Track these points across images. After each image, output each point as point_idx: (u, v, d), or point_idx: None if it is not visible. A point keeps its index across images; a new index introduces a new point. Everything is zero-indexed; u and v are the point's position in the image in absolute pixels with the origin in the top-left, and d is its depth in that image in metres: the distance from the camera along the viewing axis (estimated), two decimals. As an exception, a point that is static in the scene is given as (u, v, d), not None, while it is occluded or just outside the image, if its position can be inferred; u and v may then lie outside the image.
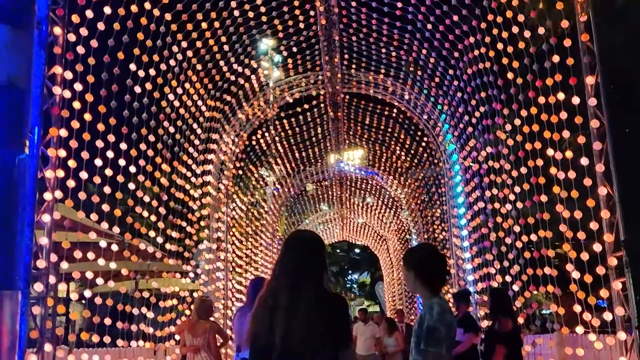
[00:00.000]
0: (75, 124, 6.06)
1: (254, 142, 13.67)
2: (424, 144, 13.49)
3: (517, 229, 7.59)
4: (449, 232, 11.97)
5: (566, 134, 5.81)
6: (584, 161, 5.46)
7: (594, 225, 5.23)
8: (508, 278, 7.89)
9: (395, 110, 13.49)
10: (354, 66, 12.13)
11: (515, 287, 7.73)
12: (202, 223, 10.75)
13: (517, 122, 7.00)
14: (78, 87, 6.14)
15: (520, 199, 7.19)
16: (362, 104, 13.75)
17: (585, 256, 5.45)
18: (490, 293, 7.01)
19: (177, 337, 8.20)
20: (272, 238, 19.38)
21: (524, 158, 6.97)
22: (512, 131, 7.38)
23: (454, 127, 10.66)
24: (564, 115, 5.85)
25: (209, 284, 11.42)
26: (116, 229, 7.80)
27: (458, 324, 8.20)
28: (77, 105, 6.11)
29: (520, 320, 7.63)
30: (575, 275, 5.63)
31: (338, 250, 46.86)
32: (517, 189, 7.28)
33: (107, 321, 7.40)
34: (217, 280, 11.86)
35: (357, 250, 46.09)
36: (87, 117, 6.28)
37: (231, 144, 12.44)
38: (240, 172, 13.60)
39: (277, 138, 14.67)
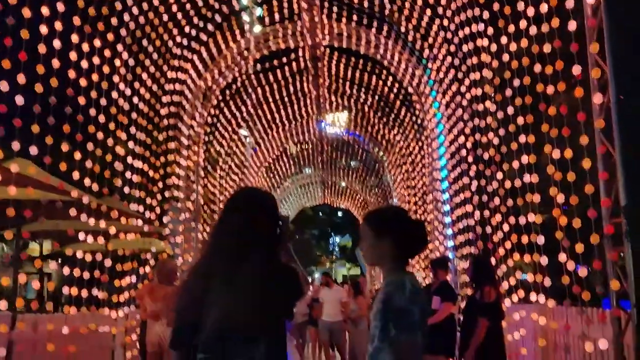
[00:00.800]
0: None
1: (228, 98, 12.88)
2: (407, 102, 12.81)
3: (502, 192, 7.02)
4: (432, 196, 11.43)
5: (561, 86, 5.15)
6: (581, 116, 4.83)
7: (588, 189, 4.64)
8: (490, 245, 7.37)
9: (378, 67, 12.76)
10: (334, 15, 11.31)
11: (498, 254, 7.22)
12: (170, 180, 10.04)
13: (507, 74, 6.33)
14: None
15: (508, 160, 6.59)
16: (344, 58, 12.97)
17: (577, 223, 4.87)
18: (472, 261, 6.48)
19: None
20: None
21: (513, 115, 6.33)
22: (500, 86, 6.73)
23: (439, 83, 9.98)
24: (560, 65, 5.18)
25: (180, 245, 10.83)
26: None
27: (435, 292, 7.75)
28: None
29: (502, 290, 7.14)
30: (565, 243, 5.07)
31: (320, 214, 46.66)
32: (504, 149, 6.67)
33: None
34: (190, 241, 11.27)
35: (339, 214, 45.92)
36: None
37: (202, 98, 11.67)
38: (214, 129, 12.86)
39: (253, 94, 13.89)
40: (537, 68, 5.53)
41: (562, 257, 5.15)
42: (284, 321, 2.41)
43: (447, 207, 9.85)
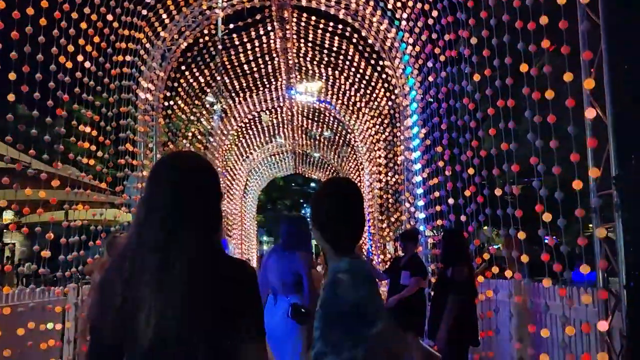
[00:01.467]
0: None
1: (190, 61, 12.10)
2: (379, 68, 12.20)
3: (477, 161, 6.55)
4: (403, 166, 10.95)
5: (545, 43, 4.62)
6: (567, 77, 4.31)
7: (574, 157, 4.17)
8: (463, 218, 6.92)
9: (349, 29, 12.08)
10: (302, -27, 10.59)
11: (472, 227, 6.79)
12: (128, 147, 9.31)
13: (485, 33, 5.78)
14: None
15: (483, 127, 6.11)
16: (313, 21, 12.25)
17: (560, 195, 4.41)
18: (444, 235, 6.04)
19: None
20: (220, 168, 18.12)
21: (491, 78, 5.81)
22: (477, 45, 6.18)
23: (412, 46, 9.39)
24: (544, 20, 4.64)
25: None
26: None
27: (404, 266, 7.35)
28: None
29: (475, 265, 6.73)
30: (546, 217, 4.61)
31: (293, 184, 46.05)
32: (479, 115, 6.16)
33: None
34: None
35: (312, 185, 45.42)
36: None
37: (160, 60, 10.87)
38: (174, 94, 12.09)
39: (217, 58, 13.11)
40: (519, 24, 5.00)
41: (542, 232, 4.70)
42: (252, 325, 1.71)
43: (418, 178, 9.38)
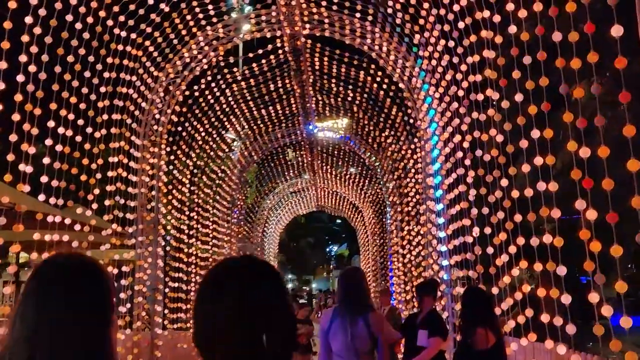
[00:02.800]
0: None
1: (197, 95, 11.43)
2: (398, 100, 11.33)
3: (507, 203, 5.52)
4: (425, 206, 9.92)
5: (592, 57, 3.66)
6: (624, 97, 3.34)
7: (637, 203, 3.15)
8: (493, 270, 5.85)
9: (366, 60, 11.30)
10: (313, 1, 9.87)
11: (502, 282, 5.72)
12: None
13: (515, 51, 4.85)
14: None
15: (515, 162, 5.12)
16: (327, 51, 11.51)
17: (617, 251, 3.38)
18: (464, 295, 5.01)
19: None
20: (231, 207, 17.34)
21: (523, 103, 4.85)
22: (506, 67, 5.24)
23: (431, 73, 8.48)
24: (590, 28, 3.70)
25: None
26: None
27: (421, 324, 6.32)
28: None
29: (509, 327, 5.63)
30: (594, 247, 3.56)
31: (318, 222, 45.09)
32: (510, 149, 5.19)
33: None
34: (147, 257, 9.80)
35: (338, 221, 44.42)
36: None
37: (162, 92, 10.21)
38: (181, 129, 11.39)
39: (228, 91, 12.43)
40: (557, 37, 4.06)
41: (594, 297, 3.64)
42: None
43: (441, 220, 8.35)
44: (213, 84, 11.54)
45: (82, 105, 7.02)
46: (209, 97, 11.80)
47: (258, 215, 23.88)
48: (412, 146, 11.25)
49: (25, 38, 5.84)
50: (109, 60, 7.59)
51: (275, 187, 23.13)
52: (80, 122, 6.94)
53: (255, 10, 10.67)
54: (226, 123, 13.40)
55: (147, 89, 9.48)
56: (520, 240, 5.31)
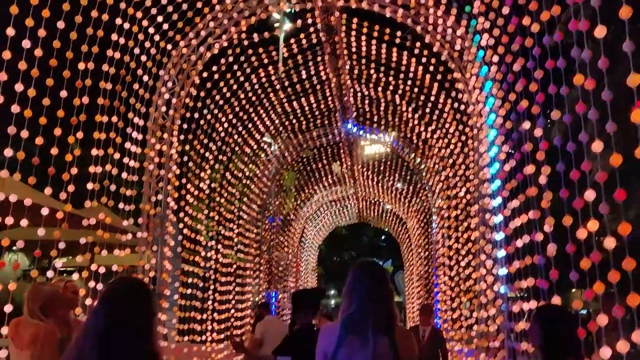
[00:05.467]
0: None
1: (216, 77, 10.11)
2: (447, 84, 9.70)
3: (590, 194, 3.87)
4: (477, 206, 8.24)
5: None
6: None
7: None
8: (575, 276, 4.19)
9: (409, 38, 9.77)
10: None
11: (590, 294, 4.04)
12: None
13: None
14: None
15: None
16: (366, 27, 10.02)
17: None
18: (542, 315, 3.40)
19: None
20: (262, 212, 15.98)
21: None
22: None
23: (493, 50, 6.84)
24: None
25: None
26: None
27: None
28: None
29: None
30: None
31: (362, 235, 43.20)
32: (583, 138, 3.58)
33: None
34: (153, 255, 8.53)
35: (383, 237, 42.49)
36: None
37: (175, 72, 8.96)
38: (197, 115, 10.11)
39: (254, 77, 11.09)
40: None
41: None
42: None
43: (499, 218, 6.67)
44: (235, 66, 10.22)
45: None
46: (232, 81, 10.49)
47: (295, 225, 22.48)
48: (463, 137, 9.59)
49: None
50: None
51: (312, 194, 21.67)
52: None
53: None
54: (253, 115, 12.05)
55: (154, 65, 8.21)
56: (610, 242, 3.69)
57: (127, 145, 7.43)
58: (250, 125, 12.27)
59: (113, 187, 7.00)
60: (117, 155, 7.07)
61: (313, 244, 27.06)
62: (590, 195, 3.72)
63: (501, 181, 6.48)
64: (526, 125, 5.08)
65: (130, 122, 7.58)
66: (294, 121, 13.73)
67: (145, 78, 7.88)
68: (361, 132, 15.48)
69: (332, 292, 46.38)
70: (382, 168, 18.05)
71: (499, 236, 6.59)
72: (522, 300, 6.01)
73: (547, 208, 4.68)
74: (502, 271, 6.51)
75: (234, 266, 12.88)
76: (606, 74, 3.51)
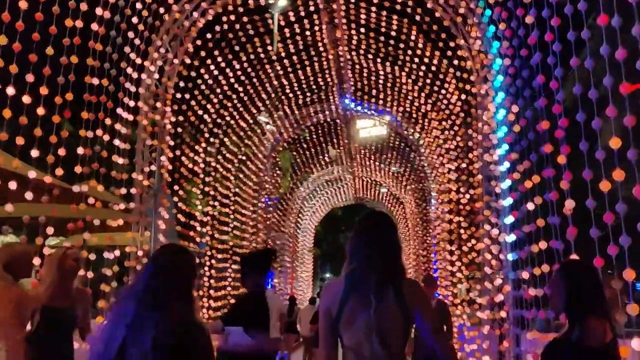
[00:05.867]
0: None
1: (211, 46, 9.77)
2: (450, 53, 9.40)
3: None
4: (480, 175, 7.99)
5: None
6: None
7: None
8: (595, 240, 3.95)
9: (410, 3, 9.42)
10: None
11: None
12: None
13: None
14: None
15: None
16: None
17: None
18: (566, 271, 3.13)
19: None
20: (258, 191, 15.70)
21: None
22: None
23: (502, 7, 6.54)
24: None
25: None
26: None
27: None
28: None
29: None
30: None
31: (358, 216, 42.74)
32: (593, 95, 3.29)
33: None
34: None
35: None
36: None
37: (167, 37, 8.61)
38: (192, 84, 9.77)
39: (249, 46, 10.74)
40: None
41: None
42: None
43: (506, 183, 6.41)
44: (231, 35, 9.88)
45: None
46: (226, 50, 10.16)
47: (291, 204, 22.23)
48: (466, 107, 9.32)
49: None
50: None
51: (308, 174, 21.39)
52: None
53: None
54: (249, 87, 11.71)
55: (146, 28, 7.86)
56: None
57: (119, 111, 7.12)
58: (246, 98, 11.94)
59: (104, 154, 6.70)
60: (108, 121, 6.74)
61: (309, 225, 26.83)
62: (616, 143, 3.46)
63: (509, 144, 6.22)
64: (540, 79, 4.80)
65: (121, 88, 7.26)
66: (291, 95, 13.39)
67: (137, 42, 7.54)
68: (359, 108, 15.19)
69: (327, 275, 46.29)
70: (380, 147, 17.79)
71: (507, 202, 6.34)
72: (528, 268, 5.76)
73: (564, 164, 4.43)
74: (510, 238, 6.28)
75: (230, 243, 12.64)
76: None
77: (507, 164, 6.32)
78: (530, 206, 5.27)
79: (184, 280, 2.63)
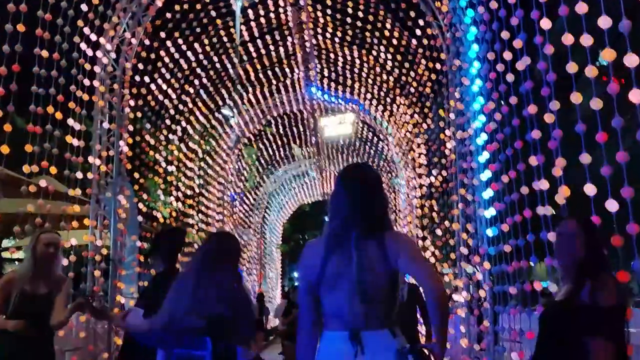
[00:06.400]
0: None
1: (171, 27, 9.30)
2: (419, 31, 9.16)
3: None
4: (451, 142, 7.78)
5: None
6: None
7: None
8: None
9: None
10: None
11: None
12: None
13: None
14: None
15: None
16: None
17: None
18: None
19: None
20: (224, 184, 15.23)
21: None
22: None
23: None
24: None
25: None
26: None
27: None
28: None
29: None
30: None
31: (324, 214, 42.58)
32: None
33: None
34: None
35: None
36: None
37: (127, 15, 8.12)
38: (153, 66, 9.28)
39: (211, 28, 10.30)
40: None
41: None
42: None
43: (484, 157, 6.17)
44: (192, 15, 9.43)
45: None
46: (187, 32, 9.70)
47: (258, 200, 21.76)
48: (436, 87, 9.11)
49: None
50: None
51: (275, 169, 20.96)
52: None
53: None
54: (211, 72, 11.25)
55: (101, 2, 7.34)
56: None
57: (73, 88, 6.62)
58: (209, 85, 11.47)
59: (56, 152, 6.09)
60: (60, 98, 6.23)
61: (277, 221, 26.38)
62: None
63: (486, 115, 5.98)
64: (522, 37, 4.56)
65: (75, 64, 6.75)
66: (255, 83, 12.98)
67: (91, 15, 7.03)
68: (325, 97, 14.87)
69: (296, 274, 45.91)
70: (347, 141, 17.54)
71: (485, 175, 6.10)
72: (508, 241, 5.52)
73: (551, 124, 4.19)
74: (489, 212, 6.05)
75: (195, 237, 12.15)
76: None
77: (484, 136, 6.08)
78: (512, 174, 5.03)
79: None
